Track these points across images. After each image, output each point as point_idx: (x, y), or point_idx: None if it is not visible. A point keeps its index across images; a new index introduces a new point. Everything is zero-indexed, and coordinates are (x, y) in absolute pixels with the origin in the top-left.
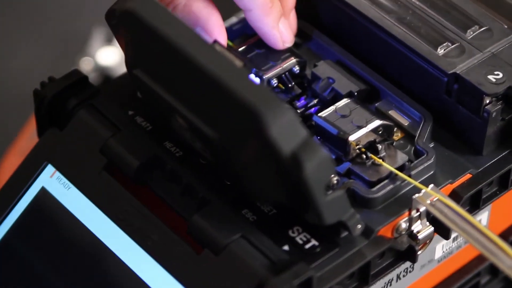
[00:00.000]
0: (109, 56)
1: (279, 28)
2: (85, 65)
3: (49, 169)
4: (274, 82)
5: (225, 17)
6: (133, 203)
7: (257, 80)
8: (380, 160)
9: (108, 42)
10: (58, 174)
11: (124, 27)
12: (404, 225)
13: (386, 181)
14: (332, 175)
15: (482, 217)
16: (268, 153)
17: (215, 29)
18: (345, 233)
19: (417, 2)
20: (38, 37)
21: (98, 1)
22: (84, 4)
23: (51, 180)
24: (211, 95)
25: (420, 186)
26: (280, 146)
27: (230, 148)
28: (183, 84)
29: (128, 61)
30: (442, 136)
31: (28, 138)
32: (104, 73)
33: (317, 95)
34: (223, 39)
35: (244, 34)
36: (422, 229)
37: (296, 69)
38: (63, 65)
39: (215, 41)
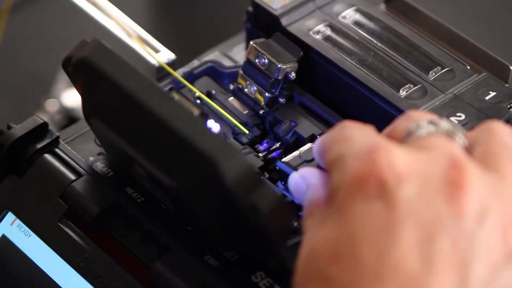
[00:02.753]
0: (74, 97)
1: None
2: (50, 107)
3: (10, 216)
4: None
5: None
6: (94, 250)
7: (216, 125)
8: None
9: None
10: (18, 221)
11: (79, 75)
12: None
13: None
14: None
15: None
16: (225, 201)
17: None
18: None
19: (379, 44)
20: (3, 78)
21: (62, 42)
22: (49, 46)
23: (11, 227)
24: (168, 144)
25: None
26: (236, 194)
27: (189, 196)
28: (140, 133)
29: (85, 109)
30: None
31: None
32: (69, 115)
33: (279, 138)
34: None
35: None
36: None
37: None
38: (29, 106)
39: (172, 89)
